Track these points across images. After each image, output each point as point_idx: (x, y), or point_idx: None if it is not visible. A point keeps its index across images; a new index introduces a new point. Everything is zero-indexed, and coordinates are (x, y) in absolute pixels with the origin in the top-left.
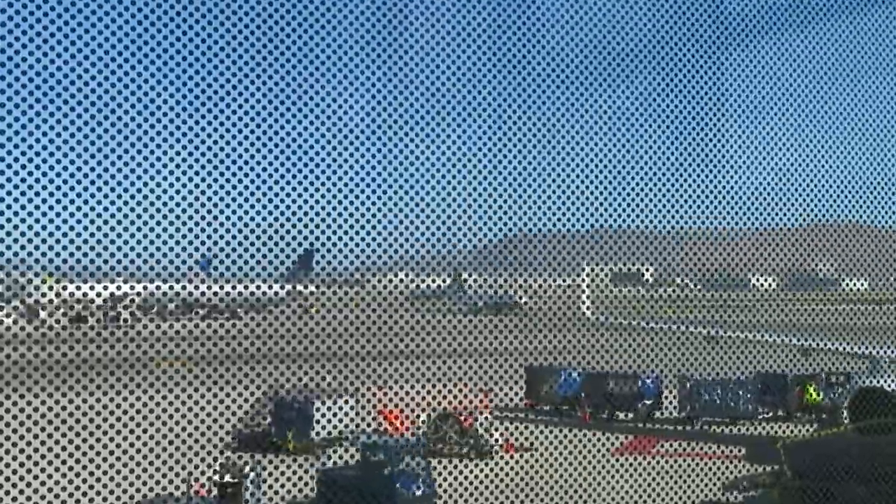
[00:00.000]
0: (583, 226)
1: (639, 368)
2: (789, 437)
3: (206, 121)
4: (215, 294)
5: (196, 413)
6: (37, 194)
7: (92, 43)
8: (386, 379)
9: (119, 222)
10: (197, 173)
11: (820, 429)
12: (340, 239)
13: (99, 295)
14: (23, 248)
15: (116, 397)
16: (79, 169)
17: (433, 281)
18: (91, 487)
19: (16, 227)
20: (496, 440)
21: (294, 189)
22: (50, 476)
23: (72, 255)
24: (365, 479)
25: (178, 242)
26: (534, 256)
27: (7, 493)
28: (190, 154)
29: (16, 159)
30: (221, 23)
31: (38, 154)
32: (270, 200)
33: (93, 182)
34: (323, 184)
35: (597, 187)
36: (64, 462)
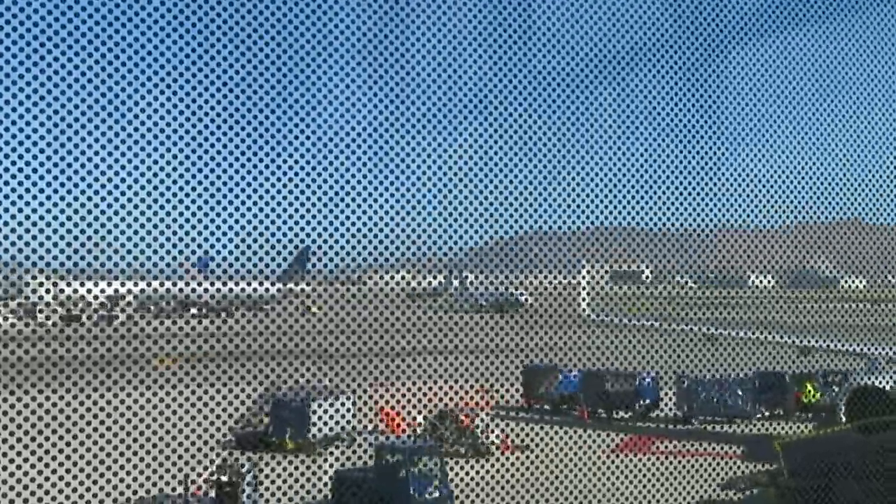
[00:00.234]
0: (583, 222)
1: (637, 367)
2: (787, 436)
3: (204, 123)
4: (206, 291)
5: (193, 415)
6: (34, 197)
7: (91, 43)
8: (386, 377)
9: (116, 225)
10: (194, 176)
11: (817, 428)
12: (343, 236)
13: (90, 292)
14: (18, 248)
15: (114, 399)
16: (76, 170)
17: (434, 278)
18: (88, 490)
19: (13, 229)
20: (496, 436)
21: (295, 188)
22: (47, 478)
23: (64, 252)
24: (379, 481)
25: (174, 245)
26: (534, 254)
27: (4, 495)
28: (187, 157)
29: (6, 156)
30: (218, 26)
31: (32, 154)
32: (269, 202)
33: (89, 186)
34: (320, 186)
35: (595, 186)
36: (61, 464)
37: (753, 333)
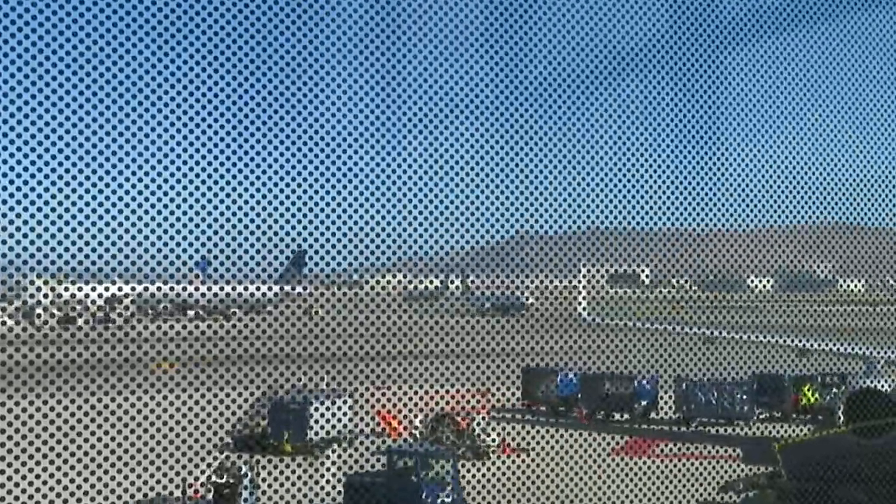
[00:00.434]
0: (583, 223)
1: (635, 369)
2: (785, 438)
3: (201, 127)
4: (205, 294)
5: (191, 419)
6: (33, 201)
7: (97, 43)
8: (385, 379)
9: (114, 229)
10: (192, 180)
11: (816, 430)
12: (340, 240)
13: (87, 297)
14: (16, 252)
15: (111, 403)
16: (77, 172)
17: (430, 282)
18: (85, 493)
19: (11, 234)
20: (495, 439)
21: (296, 190)
22: (45, 482)
23: (62, 257)
24: (391, 486)
25: (172, 249)
26: (535, 254)
27: (2, 498)
28: (184, 161)
29: (4, 161)
30: (216, 32)
31: (30, 157)
32: (269, 203)
33: (87, 190)
34: (317, 190)
35: (594, 189)
36: (59, 467)
37: (752, 336)
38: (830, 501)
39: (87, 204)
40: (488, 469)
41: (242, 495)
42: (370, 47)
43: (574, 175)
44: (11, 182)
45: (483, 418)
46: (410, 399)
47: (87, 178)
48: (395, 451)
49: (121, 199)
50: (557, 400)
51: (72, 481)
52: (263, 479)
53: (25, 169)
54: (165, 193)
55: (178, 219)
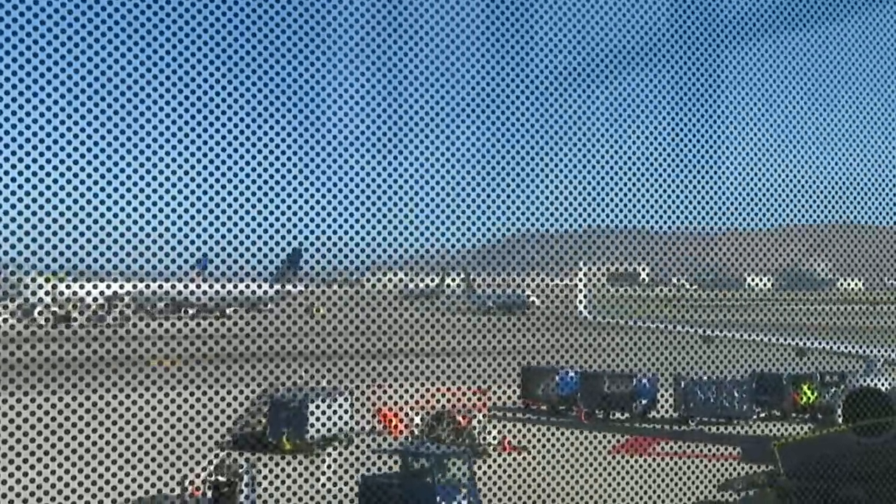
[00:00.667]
0: (583, 221)
1: (635, 368)
2: (785, 437)
3: (202, 126)
4: (206, 293)
5: (192, 416)
6: (33, 199)
7: (99, 42)
8: (384, 379)
9: (115, 227)
10: (192, 179)
11: (815, 429)
12: (342, 238)
13: (88, 294)
14: (18, 250)
15: (112, 400)
16: (77, 170)
17: (430, 280)
18: (87, 490)
19: (13, 232)
20: (496, 437)
21: (297, 188)
22: (46, 479)
23: (63, 255)
24: (406, 488)
25: (173, 248)
26: (531, 256)
27: (3, 495)
28: (185, 160)
29: (6, 159)
30: (217, 31)
31: (31, 156)
32: (269, 203)
33: (87, 189)
34: (318, 188)
35: (594, 188)
36: (60, 465)
37: (751, 335)
38: (829, 500)
39: (88, 203)
40: (489, 467)
41: (242, 493)
42: (370, 47)
43: (574, 174)
44: (13, 180)
45: (483, 416)
46: (412, 396)
47: (88, 176)
48: (409, 452)
49: (121, 197)
50: (557, 398)
51: (73, 478)
52: (264, 477)
53: (27, 167)
54: (166, 192)
55: (180, 216)
